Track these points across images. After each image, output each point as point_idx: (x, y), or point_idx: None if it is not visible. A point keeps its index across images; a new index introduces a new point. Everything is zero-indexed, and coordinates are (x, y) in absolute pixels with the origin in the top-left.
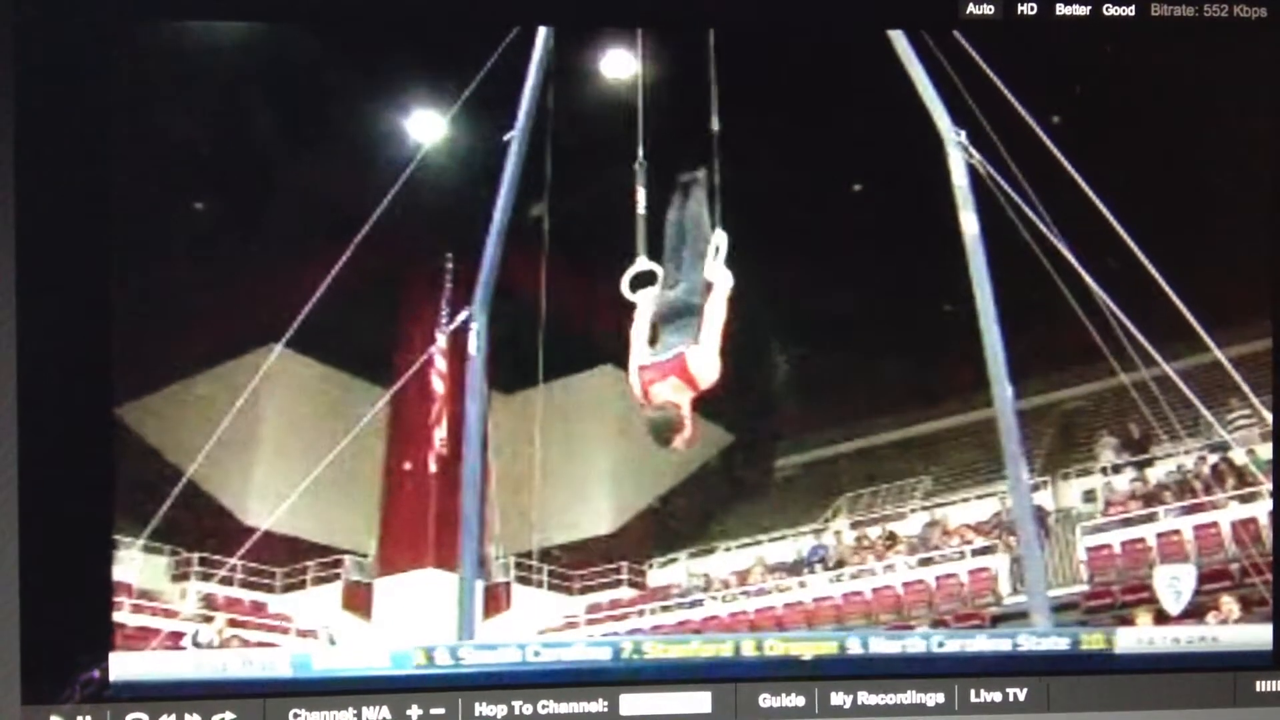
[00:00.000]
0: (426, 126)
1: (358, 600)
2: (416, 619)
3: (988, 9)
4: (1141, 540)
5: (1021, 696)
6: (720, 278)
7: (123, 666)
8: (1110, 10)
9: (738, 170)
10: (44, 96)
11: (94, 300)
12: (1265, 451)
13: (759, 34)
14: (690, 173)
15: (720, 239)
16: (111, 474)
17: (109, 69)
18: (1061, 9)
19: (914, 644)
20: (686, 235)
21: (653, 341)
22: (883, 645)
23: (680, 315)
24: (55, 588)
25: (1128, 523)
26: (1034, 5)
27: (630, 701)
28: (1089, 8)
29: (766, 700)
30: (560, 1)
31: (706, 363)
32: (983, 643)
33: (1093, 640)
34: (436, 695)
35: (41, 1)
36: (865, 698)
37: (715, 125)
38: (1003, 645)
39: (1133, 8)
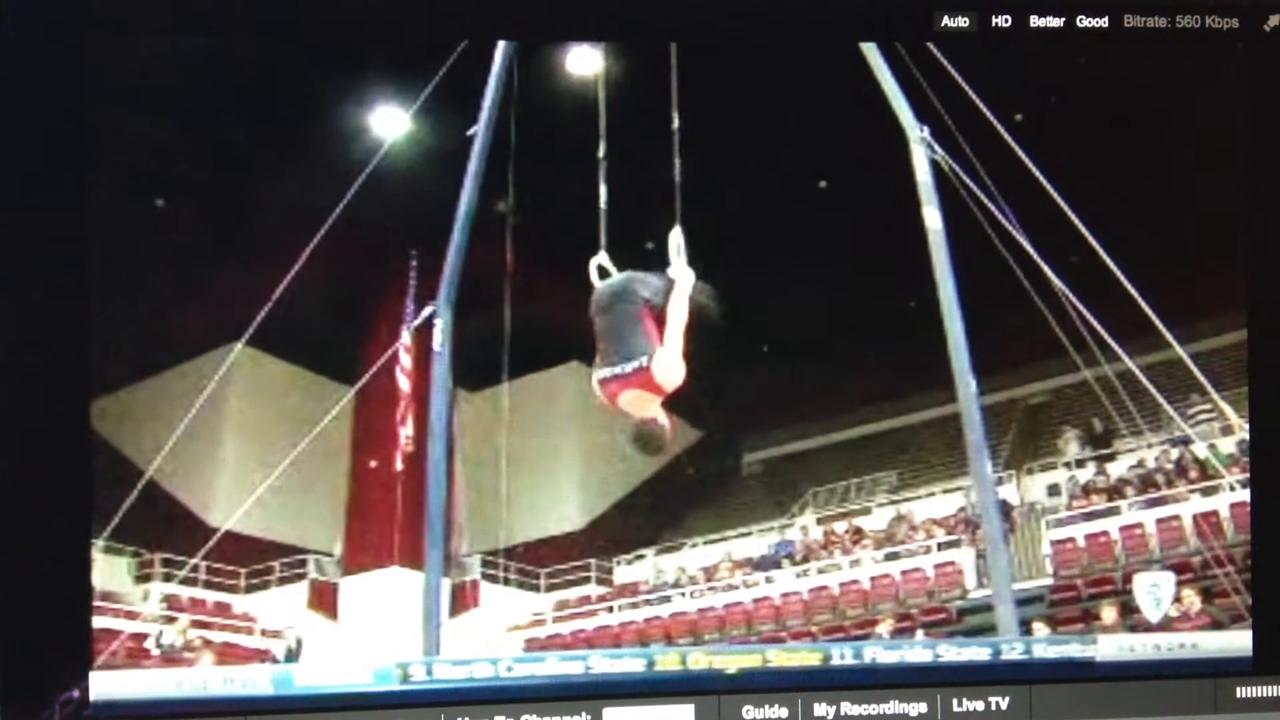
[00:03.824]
0: (389, 123)
1: (324, 600)
2: (383, 618)
3: (963, 21)
4: (1105, 533)
5: (1004, 705)
6: (681, 276)
7: (103, 686)
8: (1084, 21)
9: (700, 167)
10: (14, 98)
11: (69, 301)
12: (1225, 446)
13: (734, 47)
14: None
15: (678, 237)
16: (89, 490)
17: (82, 69)
18: (1035, 20)
19: (896, 654)
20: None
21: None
22: (866, 655)
23: (617, 307)
24: (33, 609)
25: (1091, 516)
26: (1008, 17)
27: (613, 715)
28: (1062, 19)
29: (750, 711)
30: (528, 17)
31: (671, 368)
32: (965, 652)
33: (1073, 648)
34: (419, 711)
35: (19, 12)
36: (848, 708)
37: (676, 123)
38: (985, 654)
39: (1106, 19)
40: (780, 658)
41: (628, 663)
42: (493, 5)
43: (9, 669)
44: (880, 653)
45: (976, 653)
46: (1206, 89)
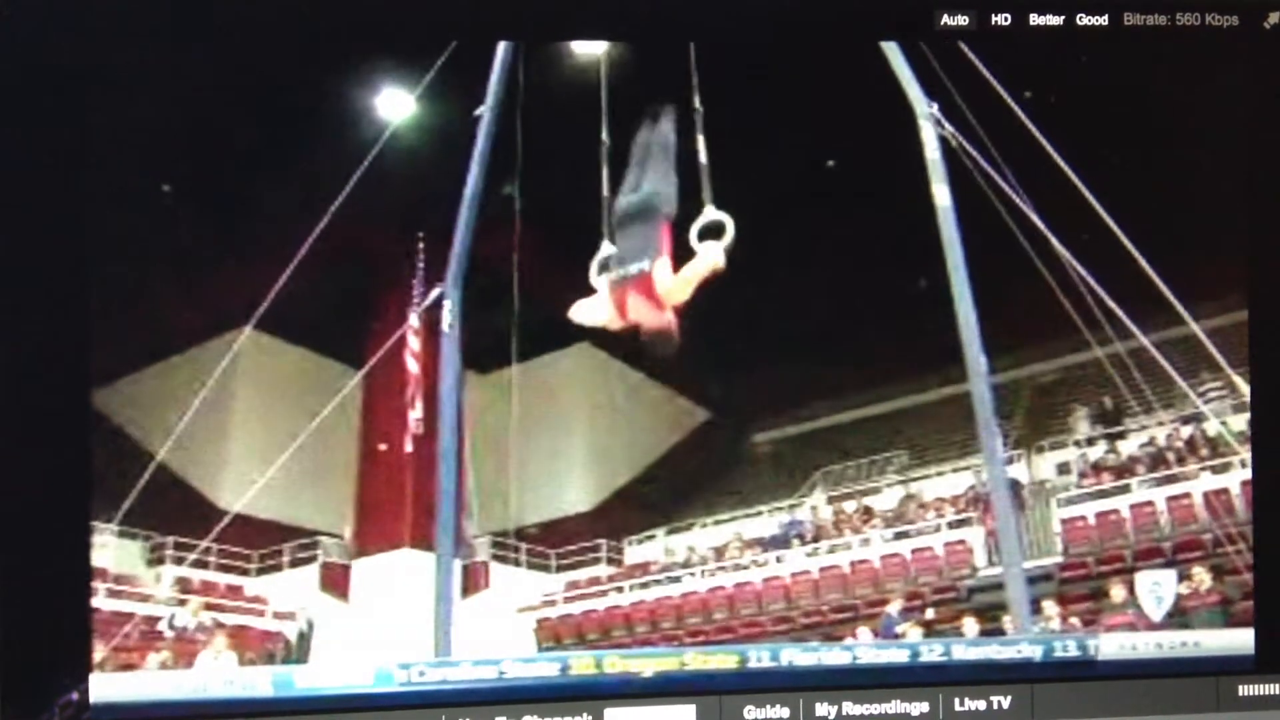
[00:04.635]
0: (394, 106)
1: (335, 582)
2: (395, 600)
3: (962, 19)
4: (1115, 511)
5: (1005, 704)
6: (712, 255)
7: (102, 688)
8: (1083, 20)
9: (711, 149)
10: (16, 84)
11: (72, 287)
12: (1237, 422)
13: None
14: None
15: (720, 219)
16: (90, 492)
17: (83, 57)
18: (1035, 19)
19: (898, 654)
20: (653, 150)
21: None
22: (867, 655)
23: (638, 218)
24: (33, 612)
25: (1102, 494)
26: (1008, 16)
27: (615, 715)
28: (1062, 18)
29: (751, 711)
30: (541, 16)
31: (673, 284)
32: (966, 651)
33: (1075, 647)
34: (420, 713)
35: (19, 12)
36: (850, 708)
37: (698, 104)
38: (987, 653)
39: (1105, 17)
40: (696, 660)
41: (542, 666)
42: (494, 6)
43: (8, 671)
44: (797, 655)
45: (975, 652)
46: (1210, 83)
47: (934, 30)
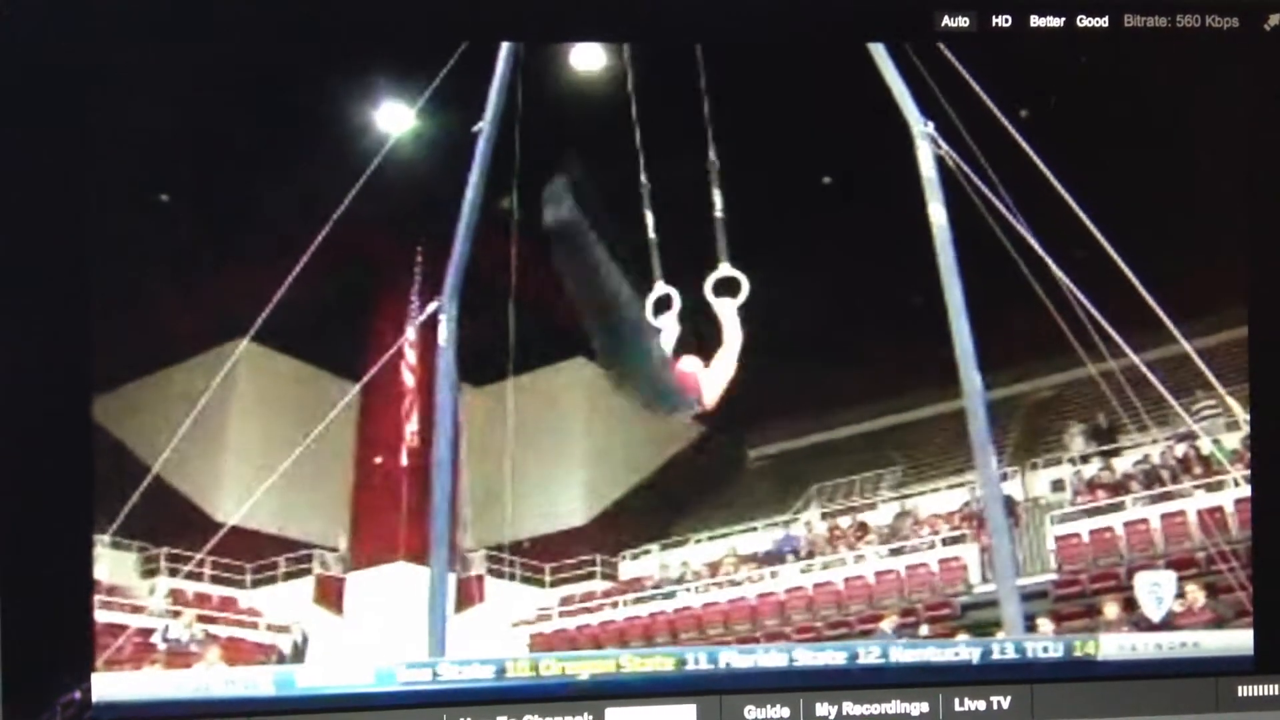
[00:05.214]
0: (393, 119)
1: (329, 594)
2: (389, 613)
3: (962, 21)
4: (1110, 529)
5: (1005, 704)
6: (731, 333)
7: (105, 687)
8: (1084, 21)
9: (703, 164)
10: (16, 84)
11: (72, 290)
12: (1230, 441)
13: (735, 48)
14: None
15: (734, 275)
16: (91, 490)
17: (82, 68)
18: (1036, 20)
19: (898, 653)
20: (590, 279)
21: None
22: (867, 655)
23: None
24: (34, 610)
25: (1096, 512)
26: (1008, 17)
27: (616, 715)
28: (1063, 19)
29: (752, 711)
30: (537, 18)
31: (717, 389)
32: (966, 651)
33: (1076, 647)
34: (421, 712)
35: (20, 12)
36: (850, 708)
37: (712, 152)
38: (986, 653)
39: (1106, 19)
40: (633, 663)
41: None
42: (494, 6)
43: (9, 670)
44: (735, 657)
45: (973, 652)
46: (1209, 88)
47: (934, 31)
